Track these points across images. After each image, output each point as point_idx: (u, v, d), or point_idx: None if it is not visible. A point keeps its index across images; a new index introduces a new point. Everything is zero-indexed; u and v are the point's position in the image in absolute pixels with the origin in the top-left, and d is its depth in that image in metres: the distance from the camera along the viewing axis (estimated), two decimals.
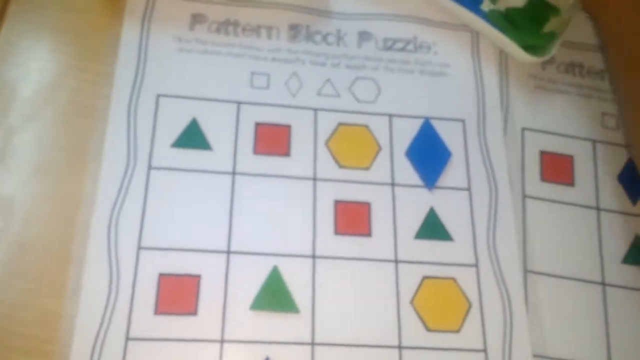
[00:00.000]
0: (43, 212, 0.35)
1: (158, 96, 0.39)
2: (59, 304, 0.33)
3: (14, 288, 0.33)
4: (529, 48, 0.42)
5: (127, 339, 0.33)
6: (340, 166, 0.39)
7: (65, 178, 0.36)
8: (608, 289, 0.38)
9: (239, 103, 0.40)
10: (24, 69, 0.39)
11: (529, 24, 0.44)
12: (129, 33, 0.40)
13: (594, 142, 0.43)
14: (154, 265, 0.34)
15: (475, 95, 0.43)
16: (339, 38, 0.43)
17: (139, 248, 0.35)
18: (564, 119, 0.43)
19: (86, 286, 0.33)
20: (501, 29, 0.42)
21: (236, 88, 0.40)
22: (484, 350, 0.35)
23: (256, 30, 0.42)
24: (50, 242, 0.34)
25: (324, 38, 0.43)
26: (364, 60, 0.42)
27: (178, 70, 0.40)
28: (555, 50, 0.42)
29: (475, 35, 0.44)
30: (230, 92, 0.40)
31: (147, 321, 0.33)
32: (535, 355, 0.36)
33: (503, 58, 0.44)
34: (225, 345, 0.33)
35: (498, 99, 0.43)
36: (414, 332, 0.35)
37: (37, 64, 0.39)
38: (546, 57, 0.42)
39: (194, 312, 0.34)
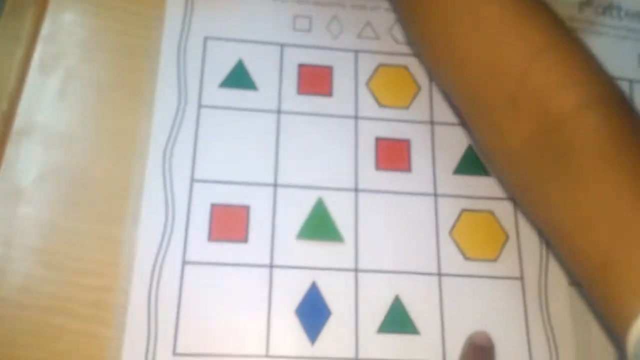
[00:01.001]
0: (101, 147, 0.37)
1: (206, 39, 0.40)
2: (119, 231, 0.35)
3: (78, 216, 0.36)
4: None
5: (184, 262, 0.35)
6: (381, 105, 0.40)
7: (121, 115, 0.38)
8: None
9: (282, 45, 0.41)
10: (78, 13, 0.40)
11: None
12: None
13: (631, 82, 0.43)
14: (207, 196, 0.36)
15: None
16: None
17: (192, 180, 0.37)
18: (601, 60, 0.43)
19: (145, 215, 0.36)
20: None
21: (279, 31, 0.41)
22: (521, 278, 0.37)
23: None
24: (108, 174, 0.37)
25: None
26: None
27: (224, 14, 0.41)
28: None
29: None
30: (274, 35, 0.41)
31: (201, 247, 0.35)
32: (570, 283, 0.37)
33: None
34: (275, 270, 0.35)
35: None
36: (452, 260, 0.37)
37: (90, 8, 0.41)
38: None
39: (244, 240, 0.36)
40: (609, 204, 0.30)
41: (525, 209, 0.37)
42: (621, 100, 0.33)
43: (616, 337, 0.29)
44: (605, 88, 0.33)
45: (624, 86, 0.43)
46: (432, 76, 0.41)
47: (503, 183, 0.39)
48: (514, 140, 0.33)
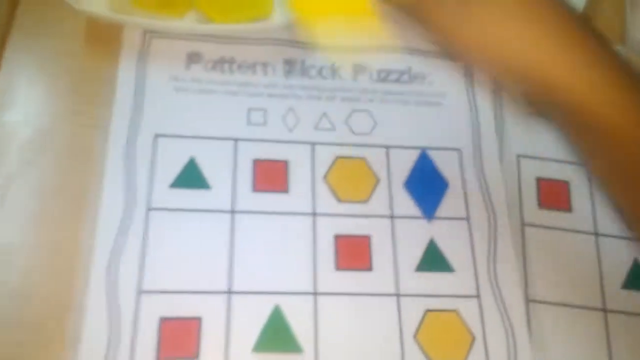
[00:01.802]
0: (41, 261, 0.35)
1: (156, 136, 0.39)
2: (58, 356, 0.33)
3: (13, 341, 0.33)
4: None
5: None
6: (339, 200, 0.39)
7: (64, 224, 0.36)
8: (610, 315, 0.38)
9: (236, 140, 0.40)
10: (21, 113, 0.39)
11: None
12: (126, 74, 0.40)
13: None
14: (155, 309, 0.34)
15: (470, 124, 0.43)
16: (334, 71, 0.43)
17: (139, 292, 0.35)
18: (558, 144, 0.43)
19: (86, 335, 0.33)
20: None
21: (233, 125, 0.40)
22: None
23: (252, 66, 0.42)
24: (49, 291, 0.34)
25: (319, 72, 0.43)
26: (359, 93, 0.43)
27: (175, 110, 0.40)
28: None
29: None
30: (227, 130, 0.40)
31: None
32: None
33: (497, 85, 0.44)
34: None
35: (493, 126, 0.43)
36: None
37: (34, 108, 0.39)
38: None
39: (195, 357, 0.34)
40: None
41: None
42: None
43: None
44: None
45: (583, 172, 0.43)
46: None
47: None
48: None
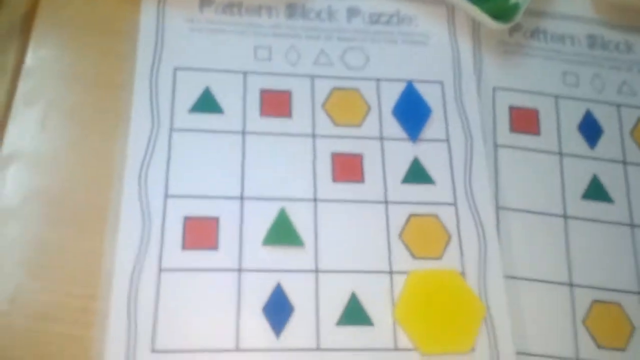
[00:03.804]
0: (82, 170, 0.41)
1: (175, 69, 0.45)
2: (100, 244, 0.39)
3: (62, 232, 0.39)
4: (497, 16, 0.48)
5: (160, 270, 0.39)
6: (336, 124, 0.45)
7: (99, 141, 0.42)
8: (569, 220, 0.45)
9: (245, 73, 0.46)
10: (57, 50, 0.45)
11: None
12: (147, 17, 0.46)
13: (557, 97, 0.49)
14: (180, 210, 0.41)
15: (452, 60, 0.48)
16: (330, 14, 0.49)
17: (166, 196, 0.41)
18: (529, 78, 0.49)
19: (123, 229, 0.39)
20: (472, 0, 0.48)
21: (242, 60, 0.46)
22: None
23: (257, 10, 0.48)
24: (89, 194, 0.41)
25: (318, 15, 0.49)
26: (353, 33, 0.48)
27: (191, 47, 0.46)
28: (519, 17, 0.48)
29: (451, 8, 0.50)
30: (237, 64, 0.46)
31: (176, 255, 0.39)
32: (505, 276, 0.42)
33: (475, 27, 0.50)
34: (243, 274, 0.39)
35: (472, 63, 0.49)
36: (402, 259, 0.41)
37: (67, 44, 0.45)
38: (512, 24, 0.48)
39: (215, 247, 0.40)
40: None
41: None
42: None
43: None
44: None
45: (550, 102, 0.48)
46: None
47: None
48: None
